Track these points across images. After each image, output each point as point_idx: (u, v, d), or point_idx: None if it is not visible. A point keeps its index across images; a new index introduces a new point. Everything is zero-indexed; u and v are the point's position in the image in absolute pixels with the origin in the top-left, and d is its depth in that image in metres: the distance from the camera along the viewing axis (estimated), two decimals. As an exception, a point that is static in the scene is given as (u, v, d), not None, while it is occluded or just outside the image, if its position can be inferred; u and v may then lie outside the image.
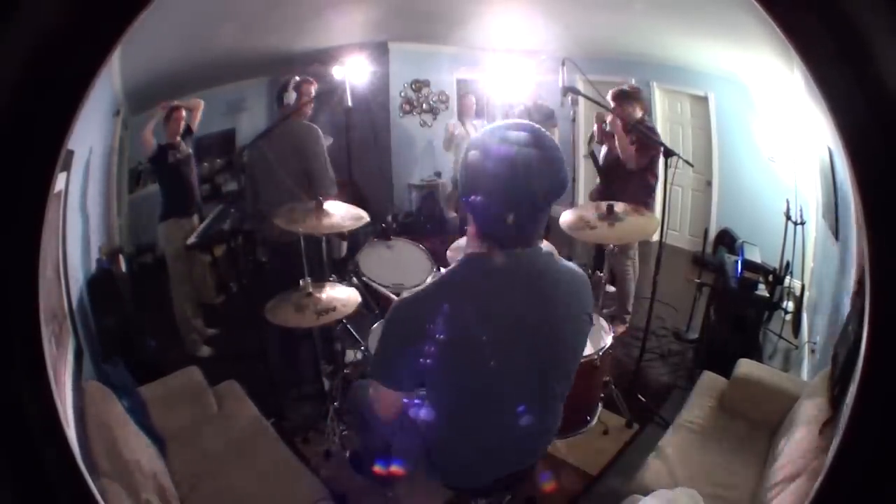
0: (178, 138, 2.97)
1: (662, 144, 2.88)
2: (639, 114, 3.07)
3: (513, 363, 1.29)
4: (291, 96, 2.91)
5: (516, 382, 1.33)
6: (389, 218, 3.67)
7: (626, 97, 3.05)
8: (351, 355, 2.86)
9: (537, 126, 1.21)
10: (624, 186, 3.03)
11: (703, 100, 3.36)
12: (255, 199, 3.10)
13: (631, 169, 3.06)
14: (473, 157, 1.18)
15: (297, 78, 3.01)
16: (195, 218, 3.14)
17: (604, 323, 2.53)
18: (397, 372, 1.32)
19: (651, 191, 3.09)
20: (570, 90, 2.93)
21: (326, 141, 3.08)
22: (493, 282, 1.25)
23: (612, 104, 3.02)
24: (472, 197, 1.20)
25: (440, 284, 1.29)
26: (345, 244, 3.33)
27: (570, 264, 1.38)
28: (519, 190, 1.17)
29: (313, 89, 3.03)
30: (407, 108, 3.96)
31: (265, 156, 2.88)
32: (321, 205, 2.60)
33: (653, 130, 3.13)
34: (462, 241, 2.69)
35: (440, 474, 1.60)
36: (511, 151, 1.15)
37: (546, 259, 1.30)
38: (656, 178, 3.04)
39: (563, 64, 2.88)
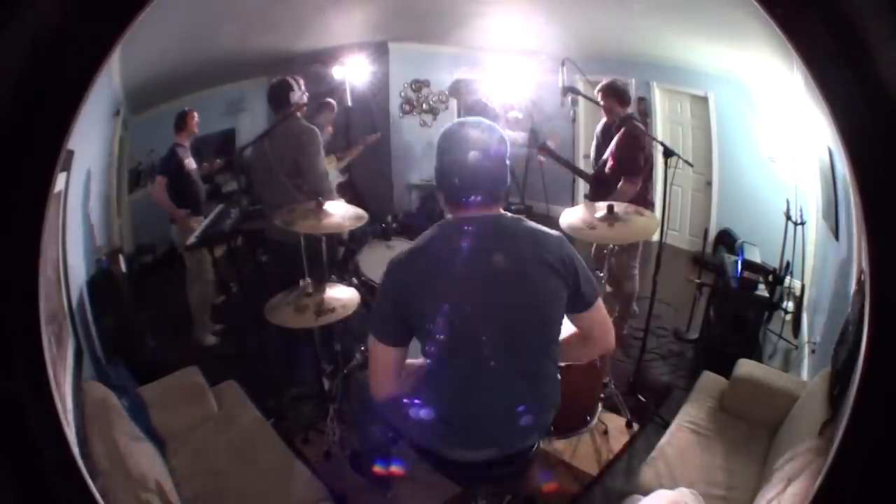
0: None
1: (662, 144, 2.87)
2: (625, 110, 3.05)
3: (487, 306, 1.46)
4: (297, 95, 2.89)
5: (494, 326, 1.47)
6: (389, 218, 3.66)
7: (612, 91, 3.04)
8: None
9: (482, 119, 1.50)
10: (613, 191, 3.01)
11: (703, 100, 3.36)
12: (256, 198, 3.10)
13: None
14: (438, 142, 1.48)
15: (298, 77, 3.00)
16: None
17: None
18: (386, 324, 1.51)
19: (644, 192, 3.06)
20: (570, 90, 2.94)
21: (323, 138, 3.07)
22: (461, 237, 1.47)
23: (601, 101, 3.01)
24: (438, 170, 1.48)
25: (418, 244, 1.51)
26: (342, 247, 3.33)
27: (541, 227, 1.55)
28: (467, 162, 1.43)
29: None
30: (407, 108, 3.96)
31: (266, 155, 2.88)
32: (321, 205, 2.60)
33: (635, 125, 3.08)
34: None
35: (447, 443, 1.63)
36: (459, 134, 1.46)
37: (511, 219, 1.51)
38: (647, 179, 3.02)
39: (563, 64, 2.88)
